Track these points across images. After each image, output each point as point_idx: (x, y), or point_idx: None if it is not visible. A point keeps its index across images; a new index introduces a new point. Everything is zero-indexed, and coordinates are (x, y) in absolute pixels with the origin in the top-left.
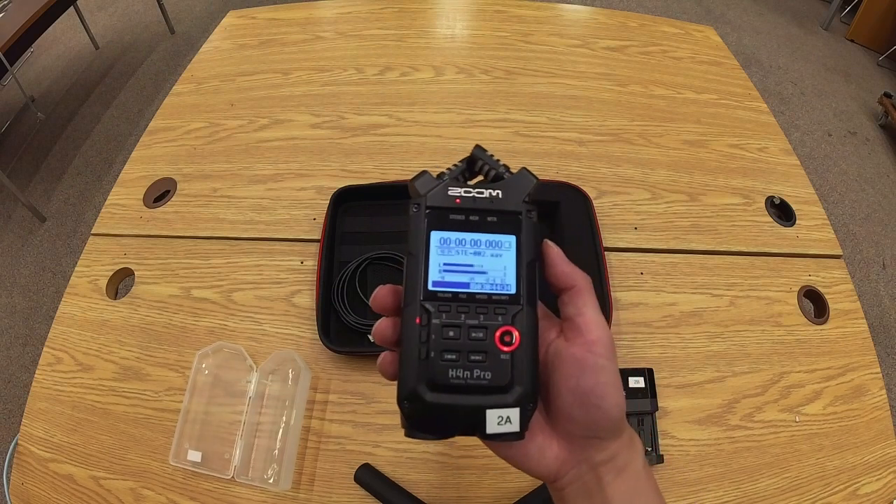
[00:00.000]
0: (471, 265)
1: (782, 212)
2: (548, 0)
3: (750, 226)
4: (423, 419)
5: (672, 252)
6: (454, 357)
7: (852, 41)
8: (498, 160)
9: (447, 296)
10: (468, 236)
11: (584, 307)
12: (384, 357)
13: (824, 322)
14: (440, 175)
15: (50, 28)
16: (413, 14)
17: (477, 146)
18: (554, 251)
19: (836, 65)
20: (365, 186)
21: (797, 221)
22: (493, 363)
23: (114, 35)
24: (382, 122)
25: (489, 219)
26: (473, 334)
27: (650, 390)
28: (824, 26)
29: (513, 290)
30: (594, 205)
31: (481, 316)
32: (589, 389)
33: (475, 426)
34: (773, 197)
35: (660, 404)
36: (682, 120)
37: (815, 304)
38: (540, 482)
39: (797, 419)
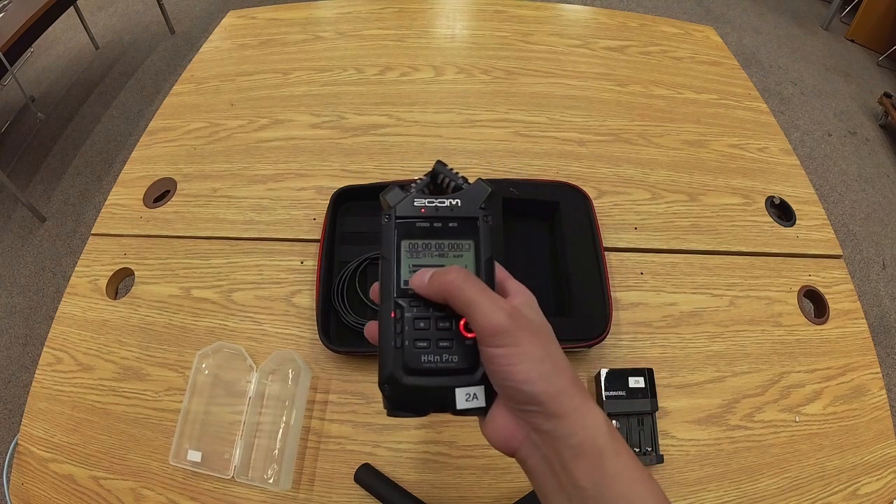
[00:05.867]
0: (437, 265)
1: (782, 212)
2: (548, 0)
3: (750, 226)
4: (401, 400)
5: (672, 252)
6: (425, 345)
7: (852, 41)
8: (457, 173)
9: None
10: (433, 241)
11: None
12: (370, 325)
13: (824, 322)
14: (407, 188)
15: (50, 28)
16: (413, 14)
17: (438, 161)
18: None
19: (836, 65)
20: (365, 186)
21: (797, 221)
22: (459, 348)
23: (114, 35)
24: (382, 122)
25: (451, 224)
26: (441, 324)
27: (650, 390)
28: (824, 26)
29: None
30: (594, 205)
31: (447, 308)
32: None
33: (446, 404)
34: (773, 197)
35: (660, 404)
36: (682, 120)
37: (815, 304)
38: None
39: (797, 419)
